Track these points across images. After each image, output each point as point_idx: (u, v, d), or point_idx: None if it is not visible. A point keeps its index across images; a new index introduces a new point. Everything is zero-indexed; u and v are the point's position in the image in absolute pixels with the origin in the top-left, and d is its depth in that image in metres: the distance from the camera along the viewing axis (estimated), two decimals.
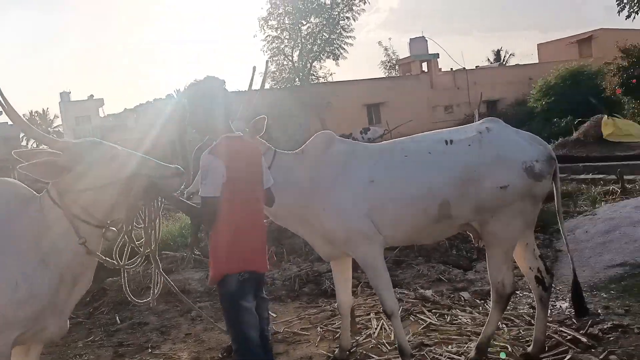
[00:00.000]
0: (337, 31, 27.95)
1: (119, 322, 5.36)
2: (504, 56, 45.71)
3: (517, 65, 37.48)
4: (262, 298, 3.22)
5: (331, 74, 29.92)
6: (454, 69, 33.84)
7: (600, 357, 3.67)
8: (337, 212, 3.63)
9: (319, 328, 4.70)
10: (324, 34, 27.85)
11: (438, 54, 34.38)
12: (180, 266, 6.33)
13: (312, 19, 27.55)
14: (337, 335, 4.52)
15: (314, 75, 28.84)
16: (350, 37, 28.53)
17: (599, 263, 5.39)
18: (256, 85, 4.04)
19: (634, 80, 12.65)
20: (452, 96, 32.35)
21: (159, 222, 3.10)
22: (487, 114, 23.10)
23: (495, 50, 46.90)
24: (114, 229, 3.00)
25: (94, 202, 2.82)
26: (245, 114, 3.75)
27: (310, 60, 28.10)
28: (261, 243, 3.14)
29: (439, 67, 34.96)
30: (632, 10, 13.70)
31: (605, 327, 4.11)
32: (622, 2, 13.85)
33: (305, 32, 27.74)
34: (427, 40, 34.45)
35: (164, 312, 5.44)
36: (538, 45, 39.47)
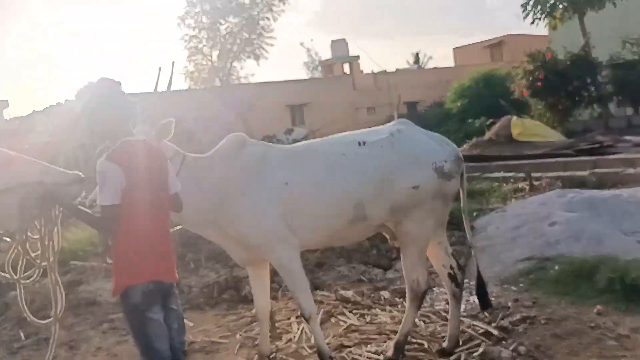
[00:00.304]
0: (257, 31, 27.76)
1: (23, 338, 5.00)
2: (423, 59, 47.08)
3: (435, 68, 38.73)
4: (171, 309, 3.08)
5: (252, 75, 29.76)
6: (375, 72, 34.57)
7: (510, 348, 3.82)
8: (251, 215, 3.56)
9: (238, 335, 4.60)
10: (244, 33, 27.55)
11: (359, 56, 35.03)
12: (91, 277, 6.02)
13: (230, 19, 27.16)
14: (257, 342, 4.45)
15: (234, 75, 28.54)
16: (271, 37, 28.45)
17: (509, 258, 5.63)
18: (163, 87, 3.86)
19: (539, 83, 13.38)
20: (374, 98, 32.97)
21: (57, 232, 2.92)
22: (407, 116, 23.82)
23: (415, 53, 48.30)
24: (7, 239, 2.82)
25: None
26: (151, 117, 3.59)
27: (230, 61, 27.75)
28: (167, 252, 2.99)
29: (361, 69, 35.60)
30: (535, 16, 14.52)
31: (514, 319, 4.29)
32: (527, 9, 14.64)
33: (225, 32, 27.35)
34: (348, 43, 34.99)
35: (74, 325, 5.14)
36: (454, 49, 40.98)
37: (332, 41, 35.02)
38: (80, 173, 3.02)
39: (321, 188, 3.58)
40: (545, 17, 14.72)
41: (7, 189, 2.68)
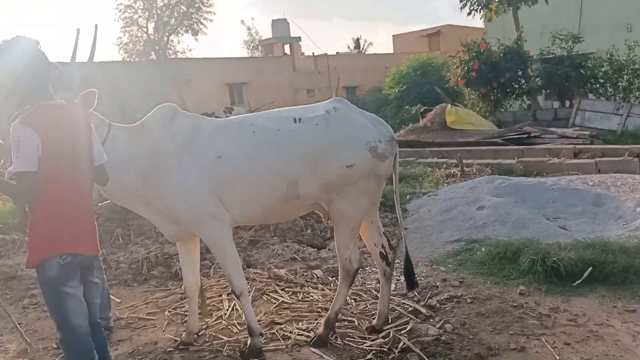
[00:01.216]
0: (196, 5, 27.00)
1: None
2: (363, 44, 47.37)
3: (375, 54, 39.11)
4: (92, 282, 2.97)
5: (190, 50, 28.95)
6: (315, 54, 34.50)
7: (437, 325, 3.92)
8: (181, 189, 3.45)
9: (166, 312, 4.49)
10: (182, 7, 26.73)
11: (300, 37, 34.78)
12: (11, 250, 5.71)
13: None
14: (186, 319, 4.36)
15: (171, 49, 27.68)
16: (210, 12, 27.76)
17: (439, 239, 5.78)
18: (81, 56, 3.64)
19: (474, 73, 13.74)
20: (314, 80, 32.97)
21: None
22: (346, 99, 23.87)
23: (355, 38, 48.44)
24: None
25: None
26: (80, 87, 3.39)
27: (167, 34, 26.87)
28: (87, 223, 2.86)
29: (302, 51, 35.42)
30: (472, 8, 14.87)
31: (442, 298, 4.41)
32: (464, 0, 14.97)
33: (161, 4, 26.42)
34: (289, 23, 34.69)
35: None
36: (393, 36, 41.50)
37: (273, 20, 34.60)
38: None
39: (254, 163, 3.51)
40: (481, 9, 15.09)
41: None
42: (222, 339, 3.94)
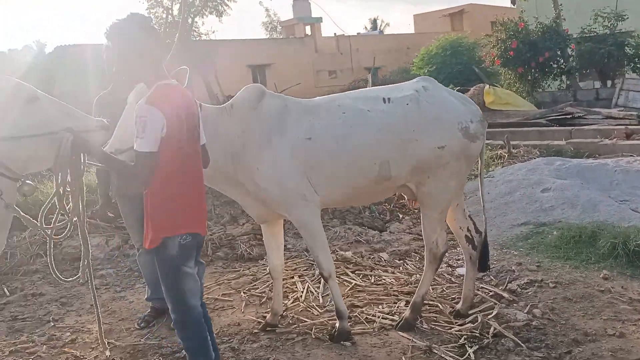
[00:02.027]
0: None
1: (7, 293, 4.70)
2: (380, 25, 46.63)
3: (396, 34, 38.63)
4: (200, 263, 2.96)
5: (213, 32, 28.75)
6: (337, 34, 34.16)
7: (525, 310, 3.84)
8: (271, 171, 3.38)
9: (242, 293, 4.46)
10: None
11: (321, 17, 34.47)
12: (75, 232, 5.69)
13: None
14: (263, 300, 4.34)
15: (195, 31, 27.50)
16: None
17: (504, 222, 5.67)
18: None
19: (511, 53, 13.46)
20: (336, 61, 32.71)
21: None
22: (371, 80, 23.85)
23: (372, 19, 47.75)
24: (30, 182, 2.61)
25: (10, 153, 2.38)
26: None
27: (192, 15, 26.67)
28: (202, 203, 2.85)
29: (322, 32, 35.14)
30: None
31: (522, 282, 4.31)
32: None
33: None
34: (310, 3, 34.36)
35: (62, 282, 4.86)
36: (414, 16, 41.04)
37: (294, 1, 34.25)
38: (104, 120, 2.79)
39: (345, 145, 3.43)
40: None
41: (34, 135, 2.46)
42: (306, 321, 3.89)
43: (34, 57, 21.60)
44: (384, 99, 3.57)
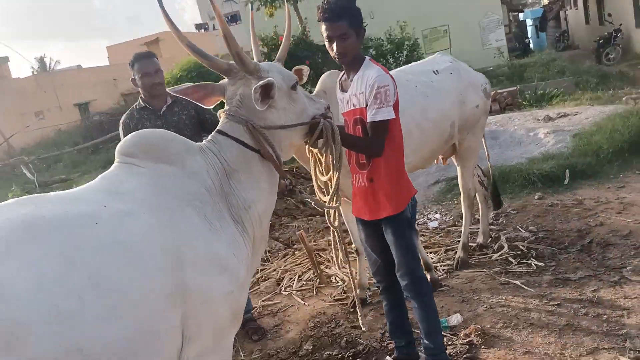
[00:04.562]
0: None
1: None
2: (50, 63, 42.62)
3: (94, 67, 37.06)
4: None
5: None
6: (34, 73, 31.16)
7: (523, 231, 4.88)
8: None
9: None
10: None
11: (8, 57, 30.96)
12: None
13: None
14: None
15: None
16: None
17: (420, 185, 6.69)
18: None
19: (308, 62, 14.67)
20: (42, 101, 29.96)
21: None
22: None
23: (39, 57, 43.54)
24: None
25: (283, 139, 2.35)
26: None
27: None
28: None
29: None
30: (260, 3, 15.83)
31: (490, 217, 5.35)
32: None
33: None
34: None
35: None
36: (107, 48, 40.66)
37: None
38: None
39: (427, 113, 3.92)
40: (264, 5, 16.16)
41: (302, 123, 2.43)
42: None
43: None
44: (433, 71, 4.15)
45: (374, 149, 2.76)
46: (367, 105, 2.75)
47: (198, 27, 52.97)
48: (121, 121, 3.77)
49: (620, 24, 16.63)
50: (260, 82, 2.18)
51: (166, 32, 37.79)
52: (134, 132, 2.21)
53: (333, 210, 2.75)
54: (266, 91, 2.20)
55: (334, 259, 5.04)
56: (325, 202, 2.69)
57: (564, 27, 25.32)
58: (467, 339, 3.34)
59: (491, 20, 18.45)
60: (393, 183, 2.83)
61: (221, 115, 2.36)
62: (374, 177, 2.84)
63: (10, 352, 1.47)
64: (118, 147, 2.16)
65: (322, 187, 2.77)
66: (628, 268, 3.80)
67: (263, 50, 15.35)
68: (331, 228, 2.89)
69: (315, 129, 2.48)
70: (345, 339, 3.63)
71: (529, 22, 23.75)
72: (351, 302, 4.05)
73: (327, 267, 4.83)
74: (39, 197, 1.91)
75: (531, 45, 23.09)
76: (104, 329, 1.65)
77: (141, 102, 3.77)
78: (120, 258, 1.76)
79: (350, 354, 3.45)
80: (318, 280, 4.58)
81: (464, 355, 3.20)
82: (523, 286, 3.86)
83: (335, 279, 4.63)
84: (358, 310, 3.23)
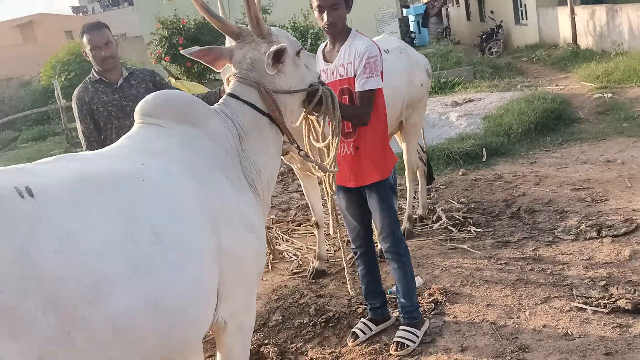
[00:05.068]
0: None
1: None
2: None
3: None
4: None
5: None
6: None
7: (455, 202, 5.28)
8: None
9: None
10: None
11: None
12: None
13: None
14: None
15: None
16: None
17: None
18: None
19: (180, 48, 14.24)
20: None
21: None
22: None
23: None
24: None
25: (288, 105, 2.42)
26: None
27: None
28: None
29: None
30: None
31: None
32: None
33: None
34: None
35: None
36: None
37: None
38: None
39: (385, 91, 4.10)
40: None
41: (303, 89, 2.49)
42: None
43: None
44: (384, 50, 4.30)
45: (362, 117, 2.89)
46: (355, 75, 2.86)
47: (75, 10, 49.75)
48: (74, 95, 3.58)
49: (501, 21, 18.11)
50: (275, 47, 2.20)
51: (41, 14, 35.31)
52: (154, 93, 2.17)
53: (331, 176, 2.83)
54: (277, 56, 2.24)
55: (281, 235, 5.15)
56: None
57: (446, 24, 26.87)
58: (432, 298, 3.59)
59: (386, 14, 19.19)
60: (379, 151, 2.99)
61: (230, 79, 2.36)
62: (360, 145, 2.97)
63: (95, 307, 1.44)
64: (138, 107, 2.11)
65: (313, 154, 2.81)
66: (559, 229, 4.27)
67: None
68: (328, 193, 2.96)
69: (314, 96, 2.54)
70: (313, 307, 3.73)
71: (412, 17, 24.91)
72: (311, 274, 4.17)
73: (276, 244, 4.88)
74: (79, 155, 1.84)
75: (415, 41, 24.29)
76: (174, 281, 1.66)
77: (95, 75, 3.59)
78: (174, 215, 1.76)
79: (322, 320, 3.56)
80: (271, 257, 4.63)
81: (432, 312, 3.45)
82: (470, 249, 4.20)
83: (287, 254, 4.71)
84: (346, 275, 3.33)
